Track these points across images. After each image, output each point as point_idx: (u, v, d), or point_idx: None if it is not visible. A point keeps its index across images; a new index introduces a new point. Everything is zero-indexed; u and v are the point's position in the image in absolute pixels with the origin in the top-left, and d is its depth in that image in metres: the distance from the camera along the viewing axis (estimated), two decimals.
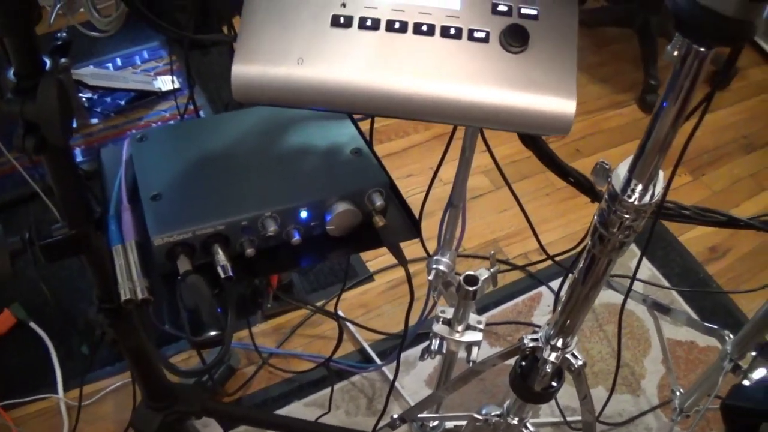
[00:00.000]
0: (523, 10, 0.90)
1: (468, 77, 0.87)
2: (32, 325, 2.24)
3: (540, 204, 2.63)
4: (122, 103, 2.84)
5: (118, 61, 3.05)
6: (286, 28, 0.88)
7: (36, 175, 1.81)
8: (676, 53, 0.92)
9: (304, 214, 1.15)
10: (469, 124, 0.95)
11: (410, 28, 0.88)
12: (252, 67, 0.88)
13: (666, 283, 2.54)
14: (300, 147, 1.23)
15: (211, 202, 1.13)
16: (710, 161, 2.97)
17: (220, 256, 1.10)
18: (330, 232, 1.17)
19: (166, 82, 2.90)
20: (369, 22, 0.88)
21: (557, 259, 1.66)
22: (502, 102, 0.88)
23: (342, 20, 0.88)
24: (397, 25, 0.88)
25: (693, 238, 2.66)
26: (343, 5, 0.89)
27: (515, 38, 0.88)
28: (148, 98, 2.86)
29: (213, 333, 1.02)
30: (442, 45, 0.88)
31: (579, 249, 2.16)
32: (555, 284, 2.44)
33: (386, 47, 0.88)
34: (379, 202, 1.16)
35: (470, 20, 0.89)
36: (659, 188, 1.11)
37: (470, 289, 1.39)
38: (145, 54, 3.06)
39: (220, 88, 2.89)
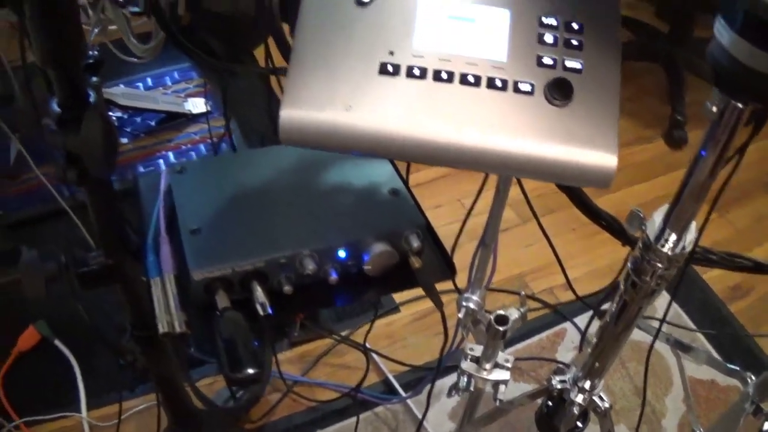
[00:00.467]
0: (568, 64, 0.91)
1: (512, 129, 0.88)
2: (57, 342, 2.25)
3: (565, 239, 2.63)
4: (152, 123, 2.86)
5: (149, 81, 3.06)
6: (335, 74, 0.90)
7: (64, 193, 1.83)
8: (714, 109, 0.93)
9: (342, 254, 1.16)
10: (512, 175, 0.96)
11: (457, 78, 0.89)
12: (300, 112, 0.89)
13: (688, 320, 2.54)
14: (338, 184, 1.24)
15: (250, 238, 1.15)
16: (734, 199, 2.96)
17: (259, 294, 1.11)
18: (367, 271, 1.18)
19: (196, 105, 2.91)
20: (416, 71, 0.89)
21: (585, 298, 1.67)
22: (545, 155, 0.89)
23: (390, 68, 0.89)
24: (444, 75, 0.89)
25: (715, 276, 2.65)
26: (391, 53, 0.90)
27: (560, 92, 0.89)
28: (178, 120, 2.87)
29: (251, 371, 1.04)
30: (488, 96, 0.89)
31: (606, 287, 2.16)
32: (579, 320, 2.44)
33: (433, 97, 0.89)
34: (416, 243, 1.17)
35: (516, 72, 0.90)
36: (691, 236, 1.12)
37: (501, 329, 1.40)
38: (176, 75, 3.07)
39: (249, 111, 2.89)
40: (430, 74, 0.90)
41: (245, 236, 1.15)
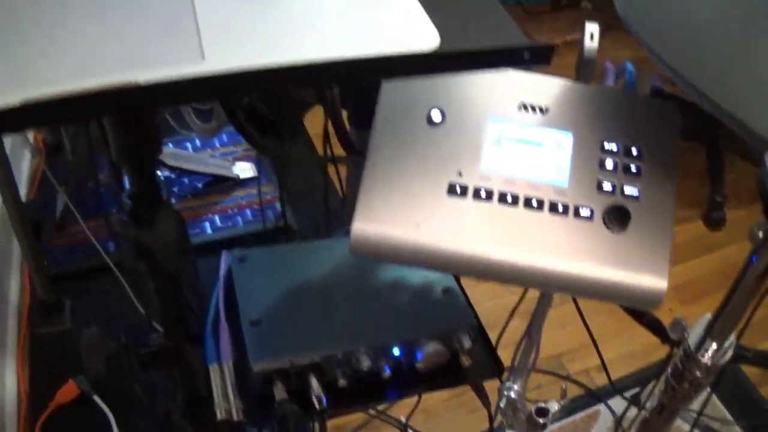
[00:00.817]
0: (627, 191, 0.95)
1: (571, 253, 0.92)
2: (95, 398, 2.27)
3: (601, 320, 2.61)
4: (199, 185, 2.87)
5: (197, 142, 3.07)
6: (406, 192, 0.94)
7: (110, 248, 1.86)
8: (761, 234, 0.97)
9: (396, 352, 1.20)
10: (567, 294, 1.00)
11: (521, 201, 0.94)
12: (371, 227, 0.93)
13: (718, 403, 2.54)
14: (393, 281, 1.28)
15: (308, 332, 1.19)
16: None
17: (315, 387, 1.15)
18: (419, 368, 1.21)
19: (244, 169, 2.92)
20: (483, 194, 0.94)
21: (619, 380, 1.69)
22: (599, 277, 0.93)
23: (458, 189, 0.94)
24: (509, 199, 0.93)
25: None
26: (460, 174, 0.95)
27: (618, 220, 0.93)
28: (225, 183, 2.89)
29: None
30: (549, 220, 0.93)
31: (640, 370, 2.18)
32: (613, 402, 2.44)
33: (497, 219, 0.93)
34: (467, 344, 1.21)
35: (576, 197, 0.94)
36: (729, 341, 1.15)
37: (541, 421, 1.43)
38: (224, 137, 3.07)
39: (297, 180, 2.90)
40: (495, 196, 0.94)
41: (304, 330, 1.19)
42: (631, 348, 2.59)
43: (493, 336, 1.34)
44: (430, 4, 0.72)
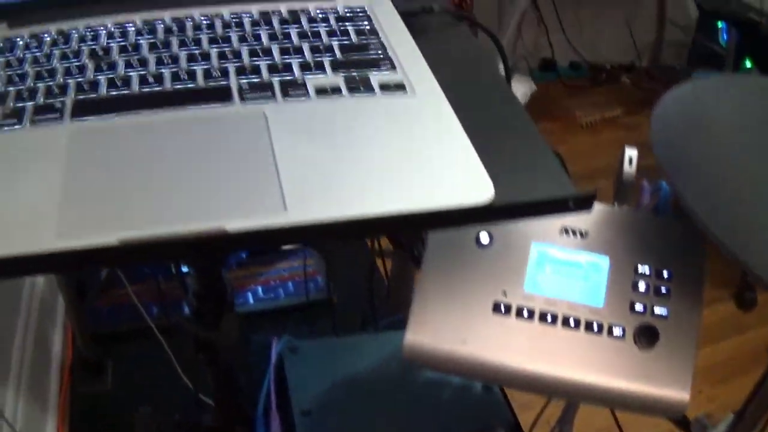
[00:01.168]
0: (657, 311, 1.03)
1: (603, 369, 1.00)
2: None
3: None
4: (243, 256, 2.92)
5: None
6: (454, 309, 1.02)
7: (154, 311, 1.93)
8: None
9: None
10: (598, 406, 1.07)
11: (559, 320, 1.02)
12: (421, 338, 1.02)
13: None
14: (437, 377, 1.35)
15: (355, 424, 1.26)
16: None
17: None
18: None
19: None
20: (525, 313, 1.02)
21: None
22: (628, 391, 1.00)
23: (502, 308, 1.02)
24: (548, 318, 1.02)
25: None
26: (504, 293, 1.03)
27: (647, 339, 1.01)
28: (268, 255, 2.93)
29: None
30: (585, 339, 1.01)
31: None
32: None
33: (538, 337, 1.01)
34: None
35: (610, 317, 1.02)
36: None
37: None
38: None
39: (337, 253, 2.93)
40: (536, 316, 1.02)
41: (351, 422, 1.27)
42: (660, 431, 2.63)
43: (525, 417, 1.40)
44: (486, 153, 0.78)
